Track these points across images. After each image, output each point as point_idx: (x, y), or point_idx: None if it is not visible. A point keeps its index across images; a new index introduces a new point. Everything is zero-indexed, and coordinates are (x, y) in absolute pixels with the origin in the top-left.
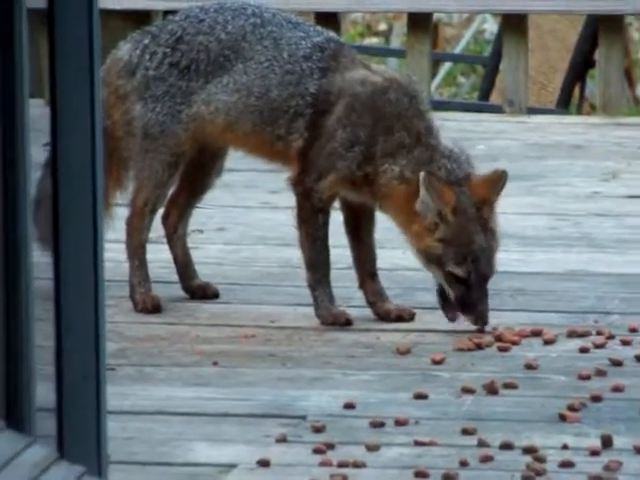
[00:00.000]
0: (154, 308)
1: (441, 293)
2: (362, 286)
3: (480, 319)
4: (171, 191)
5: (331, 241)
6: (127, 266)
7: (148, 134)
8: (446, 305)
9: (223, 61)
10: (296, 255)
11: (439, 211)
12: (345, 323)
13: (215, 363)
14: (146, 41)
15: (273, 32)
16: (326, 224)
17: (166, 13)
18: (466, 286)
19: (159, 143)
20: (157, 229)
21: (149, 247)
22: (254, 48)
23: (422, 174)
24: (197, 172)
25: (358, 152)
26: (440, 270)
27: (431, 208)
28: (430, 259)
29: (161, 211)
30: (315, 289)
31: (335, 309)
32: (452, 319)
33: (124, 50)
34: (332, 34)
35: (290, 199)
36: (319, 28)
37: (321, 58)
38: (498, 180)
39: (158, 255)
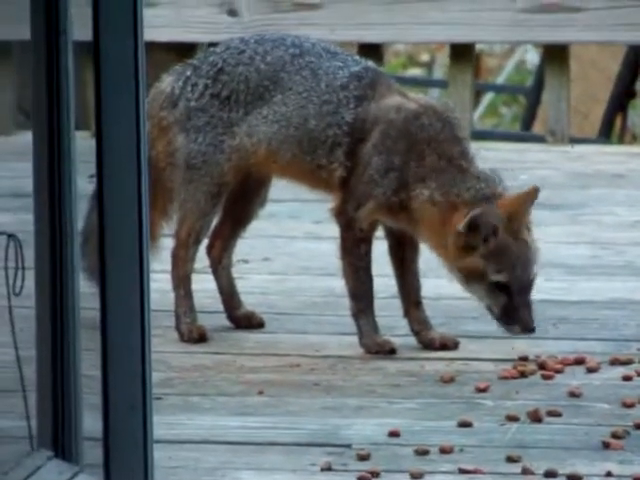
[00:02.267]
0: (200, 338)
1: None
2: (406, 314)
3: (526, 325)
4: (215, 221)
5: (374, 270)
6: (173, 296)
7: (191, 165)
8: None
9: (262, 92)
10: (339, 285)
11: (485, 236)
12: (389, 352)
13: (260, 392)
14: (188, 73)
15: (311, 62)
16: (368, 253)
17: (209, 45)
18: (508, 294)
19: (202, 173)
20: (202, 259)
21: (194, 277)
22: (293, 78)
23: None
24: (240, 202)
25: (393, 178)
26: (482, 284)
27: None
28: (471, 275)
29: (206, 241)
30: (359, 318)
31: (379, 338)
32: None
33: (166, 82)
34: (370, 63)
35: (334, 229)
36: (357, 57)
37: (358, 87)
38: (528, 196)
39: (203, 285)
